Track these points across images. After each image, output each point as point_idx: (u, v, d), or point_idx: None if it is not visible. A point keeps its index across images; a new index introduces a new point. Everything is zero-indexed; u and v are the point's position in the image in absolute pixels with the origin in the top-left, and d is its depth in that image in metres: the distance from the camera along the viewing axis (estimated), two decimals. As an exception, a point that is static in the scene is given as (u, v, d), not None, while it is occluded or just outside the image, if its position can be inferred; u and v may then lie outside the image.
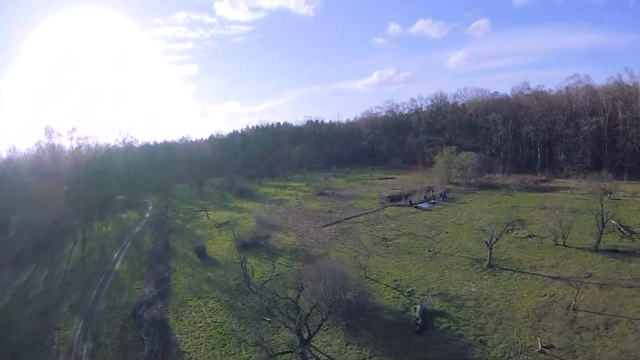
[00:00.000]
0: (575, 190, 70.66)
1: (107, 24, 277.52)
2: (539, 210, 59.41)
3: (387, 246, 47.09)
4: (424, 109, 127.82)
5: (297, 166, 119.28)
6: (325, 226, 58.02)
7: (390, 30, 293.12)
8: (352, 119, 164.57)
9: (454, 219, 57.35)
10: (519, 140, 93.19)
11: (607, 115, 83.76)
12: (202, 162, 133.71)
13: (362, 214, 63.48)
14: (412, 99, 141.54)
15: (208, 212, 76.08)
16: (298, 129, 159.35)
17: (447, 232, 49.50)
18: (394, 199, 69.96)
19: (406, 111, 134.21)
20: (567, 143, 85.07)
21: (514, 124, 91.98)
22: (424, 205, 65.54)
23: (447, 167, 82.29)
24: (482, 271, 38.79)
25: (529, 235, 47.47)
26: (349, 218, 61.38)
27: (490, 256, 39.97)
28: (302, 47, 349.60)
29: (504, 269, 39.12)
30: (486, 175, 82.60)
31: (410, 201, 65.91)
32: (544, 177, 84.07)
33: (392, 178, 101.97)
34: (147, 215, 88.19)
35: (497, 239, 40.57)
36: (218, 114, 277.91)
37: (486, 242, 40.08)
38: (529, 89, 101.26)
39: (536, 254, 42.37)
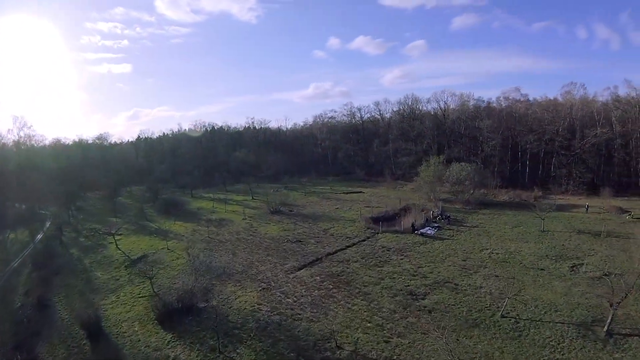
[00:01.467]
0: (595, 208, 58.84)
1: (37, 11, 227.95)
2: (576, 235, 45.23)
3: (429, 312, 26.76)
4: (390, 113, 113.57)
5: (238, 175, 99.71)
6: (300, 268, 36.66)
7: (330, 44, 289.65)
8: (300, 123, 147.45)
9: (484, 251, 39.92)
10: (507, 151, 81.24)
11: (598, 126, 75.87)
12: (124, 168, 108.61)
13: (348, 246, 43.56)
14: (376, 102, 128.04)
15: (117, 240, 51.72)
16: (238, 133, 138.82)
17: (496, 277, 31.87)
18: (381, 221, 51.63)
19: (367, 116, 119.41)
20: (568, 156, 74.50)
21: (505, 132, 79.54)
22: (428, 231, 47.87)
23: (434, 181, 66.87)
24: (604, 346, 21.87)
25: (604, 275, 31.85)
26: (333, 253, 41.01)
27: (611, 320, 23.34)
28: (241, 55, 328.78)
29: (625, 334, 22.98)
30: (482, 191, 68.42)
31: (413, 226, 47.89)
32: (540, 194, 72.57)
33: (361, 192, 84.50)
34: (40, 236, 60.89)
35: (626, 295, 24.05)
36: (149, 117, 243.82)
37: (609, 303, 23.33)
38: (507, 98, 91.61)
39: (637, 304, 26.72)
